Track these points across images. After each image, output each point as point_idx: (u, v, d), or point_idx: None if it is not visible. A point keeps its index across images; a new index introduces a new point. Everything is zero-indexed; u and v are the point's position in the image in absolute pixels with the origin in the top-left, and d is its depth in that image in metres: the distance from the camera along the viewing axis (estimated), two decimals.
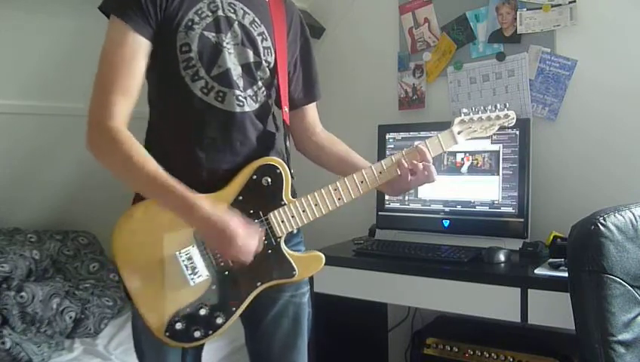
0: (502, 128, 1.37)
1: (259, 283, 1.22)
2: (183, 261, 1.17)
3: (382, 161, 1.29)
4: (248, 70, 1.24)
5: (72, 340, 2.03)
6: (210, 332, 1.19)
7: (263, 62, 1.26)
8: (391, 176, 1.28)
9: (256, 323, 1.31)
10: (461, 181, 2.11)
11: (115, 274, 2.28)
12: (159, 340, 1.18)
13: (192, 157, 1.21)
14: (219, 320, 1.19)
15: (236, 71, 1.22)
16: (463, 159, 2.11)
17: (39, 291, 1.98)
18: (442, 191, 2.14)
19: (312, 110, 1.44)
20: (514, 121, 1.37)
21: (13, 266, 1.99)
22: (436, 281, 1.83)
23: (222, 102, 1.21)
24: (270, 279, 1.23)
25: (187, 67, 1.18)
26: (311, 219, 1.25)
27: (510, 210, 2.02)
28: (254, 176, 1.22)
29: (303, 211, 1.24)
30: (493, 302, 1.74)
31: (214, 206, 1.12)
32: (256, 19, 1.26)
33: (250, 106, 1.25)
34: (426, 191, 2.17)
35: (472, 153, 2.09)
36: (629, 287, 1.30)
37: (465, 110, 1.34)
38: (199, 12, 1.19)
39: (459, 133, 1.33)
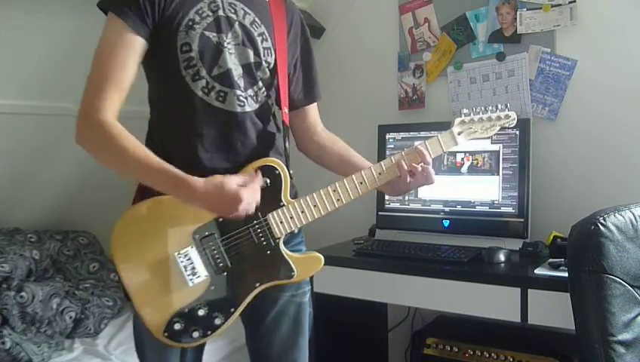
0: (502, 128, 1.37)
1: (257, 284, 1.22)
2: (182, 261, 1.17)
3: (381, 162, 1.29)
4: (249, 70, 1.24)
5: (72, 340, 2.04)
6: (209, 332, 1.20)
7: (263, 62, 1.26)
8: (390, 177, 1.28)
9: (256, 322, 1.31)
10: (461, 181, 2.11)
11: (115, 274, 2.28)
12: (158, 340, 1.18)
13: (193, 157, 1.21)
14: (217, 321, 1.19)
15: (237, 71, 1.22)
16: (463, 159, 2.11)
17: (39, 291, 1.98)
18: (442, 191, 2.14)
19: (312, 110, 1.44)
20: (515, 121, 1.36)
21: (13, 266, 1.99)
22: (436, 281, 1.83)
23: (223, 102, 1.21)
24: (269, 280, 1.23)
25: (188, 67, 1.18)
26: (310, 220, 1.25)
27: (510, 210, 2.02)
28: (256, 170, 1.22)
29: (302, 212, 1.24)
30: (493, 302, 1.74)
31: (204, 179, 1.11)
32: (257, 19, 1.26)
33: (250, 106, 1.25)
34: (426, 191, 2.17)
35: (472, 153, 2.09)
36: (629, 287, 1.30)
37: (465, 110, 1.34)
38: (200, 12, 1.19)
39: (459, 133, 1.33)
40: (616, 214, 1.32)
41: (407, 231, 2.22)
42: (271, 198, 1.23)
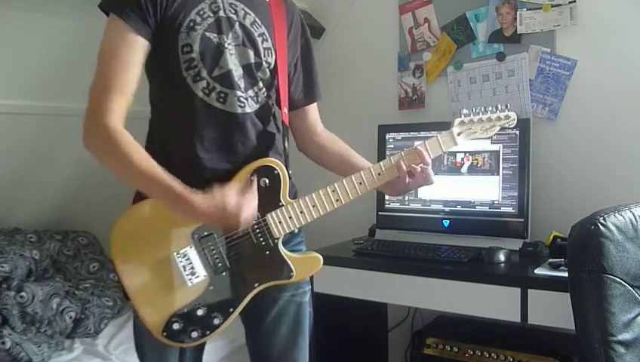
0: (502, 129, 1.37)
1: (256, 284, 1.22)
2: (181, 261, 1.17)
3: (380, 163, 1.29)
4: (249, 71, 1.24)
5: (72, 340, 2.04)
6: (208, 332, 1.20)
7: (264, 63, 1.26)
8: (390, 177, 1.28)
9: (256, 322, 1.31)
10: (461, 181, 2.11)
11: (114, 274, 2.27)
12: (157, 340, 1.18)
13: (194, 157, 1.21)
14: (216, 321, 1.20)
15: (237, 72, 1.22)
16: (463, 159, 2.11)
17: (39, 291, 1.98)
18: (442, 191, 2.14)
19: (313, 110, 1.44)
20: (515, 122, 1.36)
21: (13, 266, 1.99)
22: (436, 281, 1.83)
23: (223, 102, 1.21)
24: (268, 280, 1.23)
25: (189, 68, 1.18)
26: (309, 220, 1.25)
27: (510, 210, 2.02)
28: (252, 177, 1.22)
29: (301, 212, 1.24)
30: (493, 302, 1.74)
31: (204, 195, 1.11)
32: (257, 19, 1.26)
33: (251, 107, 1.25)
34: (426, 191, 2.17)
35: (472, 153, 2.09)
36: (629, 287, 1.30)
37: (465, 111, 1.34)
38: (201, 12, 1.19)
39: (459, 134, 1.32)
40: (616, 214, 1.32)
41: (407, 231, 2.22)
42: (270, 199, 1.23)
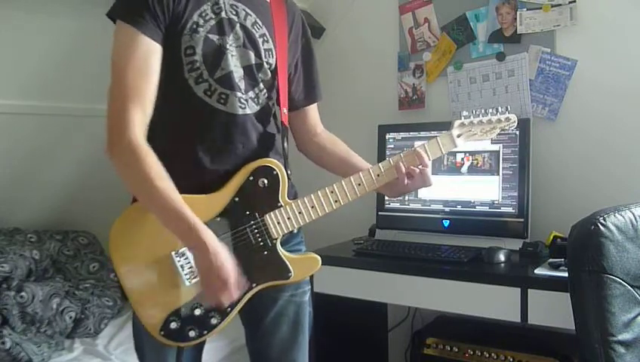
0: (502, 130, 1.37)
1: (254, 285, 1.22)
2: (179, 261, 1.17)
3: (380, 164, 1.29)
4: (250, 72, 1.24)
5: (72, 340, 2.04)
6: (205, 332, 1.20)
7: (265, 63, 1.26)
8: (389, 179, 1.28)
9: (256, 322, 1.31)
10: (461, 181, 2.11)
11: (114, 274, 2.26)
12: (154, 339, 1.18)
13: (194, 158, 1.21)
14: (214, 321, 1.20)
15: (238, 73, 1.22)
16: (463, 159, 2.11)
17: (39, 291, 1.98)
18: (442, 191, 2.14)
19: (313, 111, 1.44)
20: (515, 124, 1.36)
21: (13, 266, 1.99)
22: (436, 281, 1.83)
23: (224, 104, 1.21)
24: (265, 280, 1.23)
25: (191, 70, 1.18)
26: (307, 220, 1.25)
27: (510, 210, 2.02)
28: (251, 178, 1.22)
29: (300, 213, 1.24)
30: (493, 302, 1.74)
31: (219, 243, 1.11)
32: (258, 20, 1.26)
33: (251, 108, 1.25)
34: (426, 192, 2.17)
35: (472, 153, 2.09)
36: (629, 287, 1.30)
37: (465, 113, 1.33)
38: (203, 14, 1.19)
39: (458, 136, 1.32)
40: (616, 214, 1.32)
41: (407, 231, 2.22)
42: (268, 199, 1.23)
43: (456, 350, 2.00)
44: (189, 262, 1.18)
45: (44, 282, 2.07)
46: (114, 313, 2.20)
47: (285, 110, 1.34)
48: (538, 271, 1.72)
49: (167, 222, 1.12)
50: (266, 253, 1.23)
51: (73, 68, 2.09)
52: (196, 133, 1.21)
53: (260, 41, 1.25)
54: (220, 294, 1.10)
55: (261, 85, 1.27)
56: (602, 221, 1.30)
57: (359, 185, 1.27)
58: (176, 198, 1.10)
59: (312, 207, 1.25)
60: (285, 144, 1.33)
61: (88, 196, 2.42)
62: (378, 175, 1.28)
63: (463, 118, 1.33)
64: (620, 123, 1.99)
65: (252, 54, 1.24)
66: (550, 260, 1.77)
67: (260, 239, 1.22)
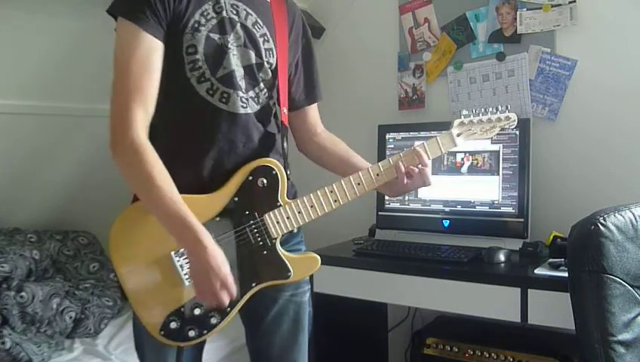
0: (502, 130, 1.37)
1: (254, 284, 1.22)
2: (178, 261, 1.17)
3: (379, 164, 1.29)
4: (250, 72, 1.24)
5: (72, 340, 2.04)
6: (205, 332, 1.20)
7: (265, 63, 1.26)
8: (388, 178, 1.28)
9: (256, 322, 1.32)
10: (461, 181, 2.11)
11: (114, 274, 2.26)
12: (154, 339, 1.18)
13: (196, 157, 1.21)
14: (213, 321, 1.20)
15: (239, 72, 1.22)
16: (463, 159, 2.11)
17: (39, 291, 1.98)
18: (442, 191, 2.14)
19: (313, 111, 1.44)
20: (515, 123, 1.36)
21: (13, 266, 1.99)
22: (436, 281, 1.83)
23: (226, 103, 1.21)
24: (265, 280, 1.23)
25: (193, 69, 1.18)
26: (306, 220, 1.25)
27: (510, 210, 2.02)
28: (250, 177, 1.22)
29: (299, 212, 1.24)
30: (493, 302, 1.74)
31: (216, 246, 1.11)
32: (259, 20, 1.26)
33: (252, 108, 1.25)
34: (426, 191, 2.17)
35: (472, 153, 2.09)
36: (629, 287, 1.30)
37: (465, 112, 1.33)
38: (205, 14, 1.19)
39: (458, 135, 1.32)
40: (616, 214, 1.32)
41: (407, 231, 2.22)
42: (268, 199, 1.23)
43: (456, 350, 2.00)
44: (188, 262, 1.18)
45: (44, 282, 2.07)
46: (114, 313, 2.20)
47: (285, 110, 1.34)
48: (538, 271, 1.72)
49: (165, 222, 1.12)
50: (265, 252, 1.23)
51: (73, 68, 2.09)
52: (197, 132, 1.21)
53: (261, 40, 1.25)
54: (217, 296, 1.10)
55: (261, 85, 1.27)
56: (602, 221, 1.30)
57: (359, 184, 1.27)
58: (176, 199, 1.10)
59: (312, 207, 1.25)
60: (285, 144, 1.33)
61: (88, 196, 2.42)
62: (377, 174, 1.28)
63: (462, 117, 1.33)
64: (620, 123, 1.99)
65: (253, 54, 1.24)
66: (550, 260, 1.77)
67: (259, 239, 1.22)
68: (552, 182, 2.11)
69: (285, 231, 1.24)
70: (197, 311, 1.19)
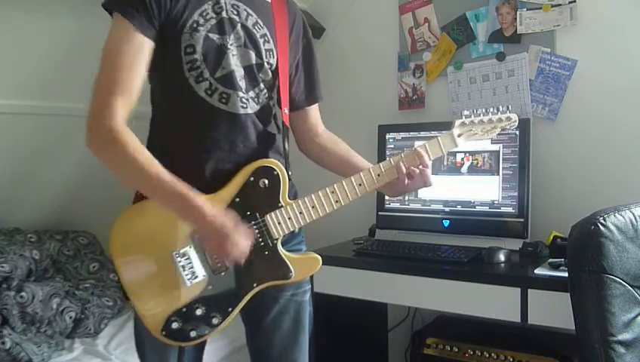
0: (503, 130, 1.37)
1: (255, 285, 1.22)
2: (180, 261, 1.17)
3: (380, 164, 1.29)
4: (250, 72, 1.24)
5: (72, 340, 2.04)
6: (207, 332, 1.20)
7: (265, 64, 1.26)
8: (389, 179, 1.29)
9: (257, 321, 1.32)
10: (461, 181, 2.11)
11: (115, 274, 2.28)
12: (156, 339, 1.18)
13: (196, 157, 1.21)
14: (215, 321, 1.20)
15: (239, 73, 1.22)
16: (463, 159, 2.11)
17: (39, 291, 1.98)
18: (442, 191, 2.14)
19: (314, 111, 1.44)
20: (516, 123, 1.36)
21: (13, 266, 1.99)
22: (436, 281, 1.83)
23: (226, 103, 1.21)
24: (266, 280, 1.23)
25: (192, 68, 1.18)
26: (308, 221, 1.25)
27: (510, 210, 2.02)
28: (251, 178, 1.22)
29: (300, 213, 1.24)
30: (493, 302, 1.74)
31: (213, 207, 1.12)
32: (259, 20, 1.26)
33: (252, 108, 1.25)
34: (426, 191, 2.17)
35: (472, 153, 2.09)
36: (629, 287, 1.30)
37: (466, 112, 1.33)
38: (204, 14, 1.19)
39: (459, 135, 1.32)
40: (616, 214, 1.32)
41: (407, 231, 2.22)
42: (269, 199, 1.23)
43: (456, 350, 2.00)
44: (190, 262, 1.18)
45: (44, 282, 2.07)
46: (114, 313, 2.20)
47: (286, 110, 1.34)
48: (538, 271, 1.72)
49: (159, 200, 1.13)
50: (266, 253, 1.23)
51: (73, 68, 2.09)
52: (197, 132, 1.21)
53: (261, 41, 1.25)
54: (230, 252, 1.11)
55: (261, 85, 1.27)
56: (602, 221, 1.30)
57: (360, 185, 1.27)
58: (163, 175, 1.09)
59: (313, 207, 1.25)
60: (286, 144, 1.33)
61: (88, 196, 2.42)
62: (379, 175, 1.28)
63: (463, 117, 1.33)
64: (620, 123, 2.00)
65: (253, 54, 1.24)
66: (550, 260, 1.77)
67: (260, 239, 1.22)
68: (552, 182, 2.11)
69: (287, 232, 1.24)
70: (198, 312, 1.19)
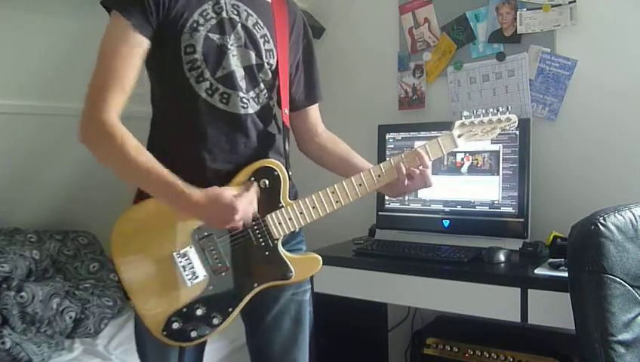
0: (503, 131, 1.37)
1: (255, 285, 1.23)
2: (181, 261, 1.18)
3: (381, 165, 1.29)
4: (250, 72, 1.24)
5: (72, 340, 2.03)
6: (207, 332, 1.20)
7: (265, 64, 1.26)
8: (389, 179, 1.29)
9: (257, 320, 1.32)
10: (461, 181, 2.11)
11: (115, 274, 2.27)
12: (157, 339, 1.18)
13: (196, 157, 1.21)
14: (215, 321, 1.20)
15: (239, 73, 1.22)
16: (463, 159, 2.11)
17: (39, 291, 1.98)
18: (442, 191, 2.14)
19: (314, 111, 1.45)
20: (515, 124, 1.36)
21: (13, 266, 1.99)
22: (436, 281, 1.83)
23: (226, 103, 1.21)
24: (267, 280, 1.23)
25: (192, 68, 1.18)
26: (308, 221, 1.25)
27: (510, 210, 2.02)
28: (252, 178, 1.22)
29: (301, 213, 1.24)
30: (493, 302, 1.74)
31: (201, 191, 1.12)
32: (260, 21, 1.26)
33: (252, 108, 1.25)
34: (426, 191, 2.17)
35: (472, 153, 2.09)
36: (629, 287, 1.30)
37: (466, 113, 1.33)
38: (204, 14, 1.19)
39: (459, 136, 1.32)
40: (616, 214, 1.32)
41: (407, 231, 2.22)
42: (270, 200, 1.23)
43: (456, 350, 2.00)
44: (190, 263, 1.18)
45: (44, 282, 2.06)
46: (114, 313, 2.20)
47: (286, 110, 1.34)
48: (538, 271, 1.72)
49: (153, 191, 1.13)
50: (267, 253, 1.23)
51: (73, 68, 2.08)
52: (197, 133, 1.21)
53: (261, 41, 1.25)
54: (234, 216, 1.11)
55: (262, 85, 1.27)
56: (602, 221, 1.30)
57: (360, 185, 1.27)
58: (160, 170, 1.10)
59: (313, 208, 1.25)
60: (286, 145, 1.33)
61: (88, 196, 2.42)
62: (379, 175, 1.28)
63: (463, 118, 1.33)
64: (620, 123, 2.00)
65: (253, 54, 1.24)
66: (550, 260, 1.77)
67: (261, 239, 1.22)
68: (552, 182, 2.11)
69: (287, 232, 1.24)
70: (199, 312, 1.19)
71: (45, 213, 2.41)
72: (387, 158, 1.31)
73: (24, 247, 2.11)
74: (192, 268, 1.18)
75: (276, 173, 1.24)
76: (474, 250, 1.92)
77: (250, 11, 1.25)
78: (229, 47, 1.21)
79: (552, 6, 2.08)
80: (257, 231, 1.22)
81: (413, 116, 2.41)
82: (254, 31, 1.24)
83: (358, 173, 1.28)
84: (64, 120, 2.15)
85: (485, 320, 1.83)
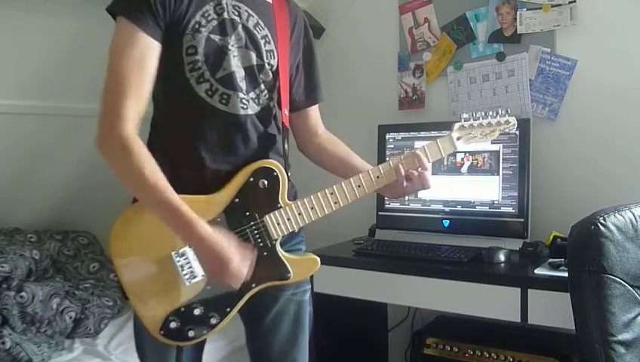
0: (502, 133, 1.37)
1: (253, 285, 1.23)
2: (179, 261, 1.17)
3: (380, 166, 1.29)
4: (251, 73, 1.24)
5: (72, 340, 2.04)
6: (205, 332, 1.20)
7: (266, 65, 1.26)
8: (388, 181, 1.29)
9: (257, 321, 1.32)
10: (461, 181, 2.11)
11: (115, 274, 2.27)
12: (154, 338, 1.18)
13: (196, 157, 1.21)
14: (213, 321, 1.20)
15: (239, 74, 1.22)
16: (463, 159, 2.11)
17: (39, 291, 1.98)
18: (442, 191, 2.14)
19: (314, 112, 1.45)
20: (514, 127, 1.37)
21: (13, 266, 1.99)
22: (436, 281, 1.83)
23: (226, 104, 1.21)
24: (265, 281, 1.24)
25: (193, 69, 1.18)
26: (307, 222, 1.25)
27: (510, 210, 2.02)
28: (251, 179, 1.23)
29: (299, 214, 1.24)
30: (493, 302, 1.74)
31: (214, 228, 1.13)
32: (260, 21, 1.26)
33: (252, 109, 1.25)
34: (426, 192, 2.17)
35: (472, 153, 2.09)
36: (629, 287, 1.30)
37: (465, 115, 1.34)
38: (206, 15, 1.19)
39: (458, 138, 1.33)
40: (616, 214, 1.32)
41: (407, 231, 2.22)
42: (268, 200, 1.23)
43: (456, 350, 2.00)
44: (188, 262, 1.18)
45: (44, 282, 2.07)
46: (114, 313, 2.20)
47: (286, 111, 1.34)
48: (538, 271, 1.72)
49: (160, 216, 1.13)
50: (265, 253, 1.23)
51: (73, 68, 2.09)
52: (197, 133, 1.21)
53: (262, 42, 1.25)
54: (229, 278, 1.12)
55: (262, 86, 1.27)
56: (602, 221, 1.30)
57: (359, 186, 1.27)
58: (171, 196, 1.10)
59: (312, 208, 1.25)
60: (286, 145, 1.33)
61: (88, 196, 2.42)
62: (378, 177, 1.28)
63: (463, 120, 1.33)
64: (620, 123, 2.00)
65: (254, 55, 1.24)
66: (550, 260, 1.77)
67: (259, 240, 1.22)
68: (552, 182, 2.11)
69: (286, 233, 1.24)
70: (197, 311, 1.19)
71: (45, 213, 2.41)
72: (387, 158, 1.31)
73: (24, 247, 2.11)
74: (191, 267, 1.18)
75: (275, 173, 1.24)
76: (474, 250, 1.92)
77: (251, 12, 1.25)
78: (230, 47, 1.21)
79: (552, 6, 2.08)
80: (255, 232, 1.22)
81: (413, 116, 2.41)
82: (255, 31, 1.24)
83: (357, 175, 1.28)
84: (64, 120, 2.16)
85: (485, 320, 1.83)
